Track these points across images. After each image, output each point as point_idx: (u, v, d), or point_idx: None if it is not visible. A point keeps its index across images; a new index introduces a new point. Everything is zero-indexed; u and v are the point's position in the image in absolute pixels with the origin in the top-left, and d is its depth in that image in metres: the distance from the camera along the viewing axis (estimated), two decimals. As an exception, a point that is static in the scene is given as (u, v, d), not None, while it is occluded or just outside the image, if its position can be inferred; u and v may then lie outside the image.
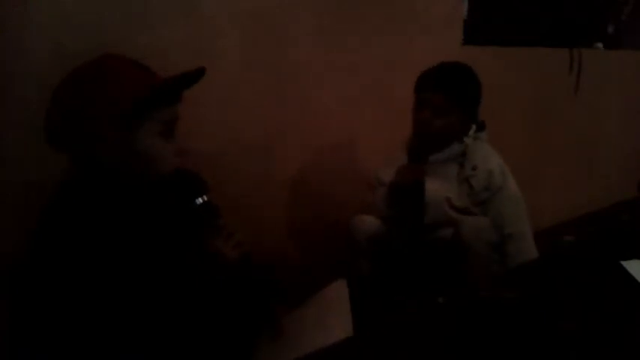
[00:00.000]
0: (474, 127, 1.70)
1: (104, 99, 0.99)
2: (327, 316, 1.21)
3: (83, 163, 1.04)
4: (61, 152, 1.05)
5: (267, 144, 1.94)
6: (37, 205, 1.41)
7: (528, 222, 1.69)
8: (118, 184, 1.03)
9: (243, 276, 1.12)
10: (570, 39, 3.04)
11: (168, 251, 1.04)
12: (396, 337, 1.07)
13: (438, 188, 1.63)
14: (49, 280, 0.94)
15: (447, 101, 1.60)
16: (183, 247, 1.08)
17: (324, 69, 2.05)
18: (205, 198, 1.13)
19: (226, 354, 1.10)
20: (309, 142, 2.05)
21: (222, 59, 1.77)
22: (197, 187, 1.14)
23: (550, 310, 1.12)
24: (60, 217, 0.99)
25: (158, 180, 1.08)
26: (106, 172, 1.03)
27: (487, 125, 1.75)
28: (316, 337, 1.10)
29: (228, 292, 1.09)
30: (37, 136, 1.43)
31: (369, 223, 1.71)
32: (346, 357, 1.03)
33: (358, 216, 1.75)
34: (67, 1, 1.44)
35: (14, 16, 1.37)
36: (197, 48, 1.69)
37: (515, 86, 2.73)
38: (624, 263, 1.33)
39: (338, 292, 1.24)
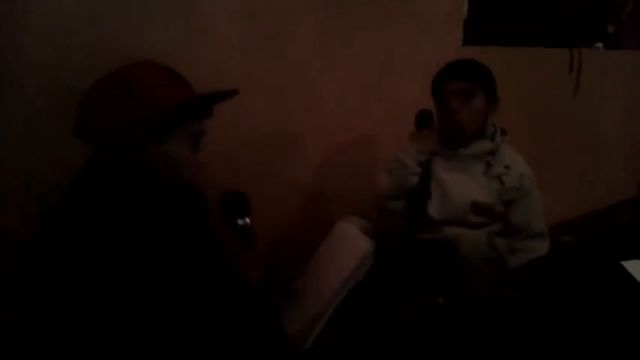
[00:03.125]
0: (498, 129, 1.73)
1: (142, 105, 1.00)
2: (336, 250, 1.21)
3: (109, 161, 1.04)
4: (87, 144, 1.06)
5: (267, 144, 1.94)
6: (37, 205, 1.42)
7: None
8: (139, 188, 1.04)
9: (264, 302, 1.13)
10: (570, 39, 3.05)
11: (180, 262, 1.04)
12: (395, 337, 1.07)
13: (466, 186, 1.66)
14: (56, 278, 0.94)
15: (471, 86, 1.63)
16: (204, 260, 1.09)
17: (323, 69, 2.05)
18: (248, 220, 1.15)
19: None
20: (308, 142, 2.05)
21: (222, 58, 1.77)
22: (242, 208, 1.16)
23: (550, 310, 1.12)
24: (76, 216, 0.99)
25: (177, 189, 1.09)
26: (131, 174, 1.03)
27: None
28: (331, 275, 1.11)
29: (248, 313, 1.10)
30: (37, 135, 1.44)
31: (358, 222, 1.71)
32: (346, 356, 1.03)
33: (346, 217, 1.75)
34: (67, 1, 1.44)
35: (14, 16, 1.37)
36: (196, 47, 1.69)
37: (515, 86, 2.73)
38: (624, 263, 1.33)
39: (341, 229, 1.24)
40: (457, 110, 1.64)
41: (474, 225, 1.66)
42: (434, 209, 1.67)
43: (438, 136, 1.74)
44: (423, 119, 1.73)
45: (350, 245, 1.18)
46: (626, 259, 1.35)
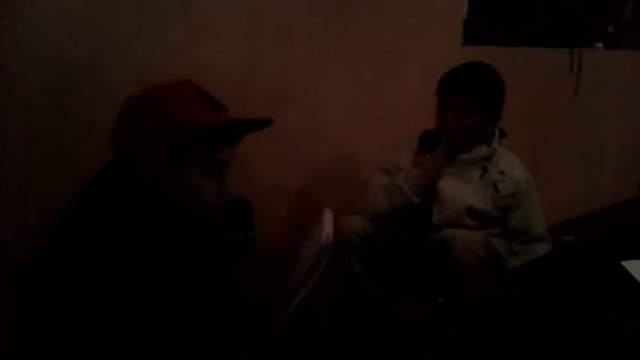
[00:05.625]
0: (497, 132, 1.71)
1: (156, 129, 0.99)
2: (311, 239, 1.21)
3: (128, 173, 1.03)
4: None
5: (267, 143, 1.93)
6: (37, 205, 1.42)
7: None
8: (155, 205, 1.03)
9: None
10: (570, 39, 3.05)
11: (187, 277, 1.03)
12: (395, 337, 1.07)
13: (462, 191, 1.66)
14: (63, 285, 0.93)
15: (471, 103, 1.60)
16: (208, 277, 1.08)
17: (323, 69, 2.04)
18: (249, 234, 1.13)
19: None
20: (308, 141, 2.05)
21: (222, 59, 1.77)
22: (245, 220, 1.15)
23: (550, 310, 1.12)
24: (86, 221, 0.98)
25: (198, 214, 1.07)
26: (147, 192, 1.02)
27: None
28: (302, 263, 1.12)
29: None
30: (37, 136, 1.44)
31: (358, 222, 1.71)
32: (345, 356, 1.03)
33: (346, 217, 1.75)
34: (67, 1, 1.44)
35: (14, 16, 1.37)
36: (196, 47, 1.69)
37: (515, 86, 2.72)
38: (624, 263, 1.33)
39: (322, 221, 1.24)
40: (453, 125, 1.62)
41: (472, 228, 1.66)
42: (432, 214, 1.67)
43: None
44: (427, 142, 1.68)
45: (317, 237, 1.19)
46: (626, 259, 1.35)
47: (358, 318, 1.63)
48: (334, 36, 2.06)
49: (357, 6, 2.10)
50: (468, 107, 1.60)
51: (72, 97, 1.46)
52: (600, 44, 3.34)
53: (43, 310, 0.94)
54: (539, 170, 1.83)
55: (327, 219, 1.19)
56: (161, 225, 1.01)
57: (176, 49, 1.64)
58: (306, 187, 2.10)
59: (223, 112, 1.07)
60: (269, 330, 1.10)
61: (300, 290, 1.07)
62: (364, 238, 1.69)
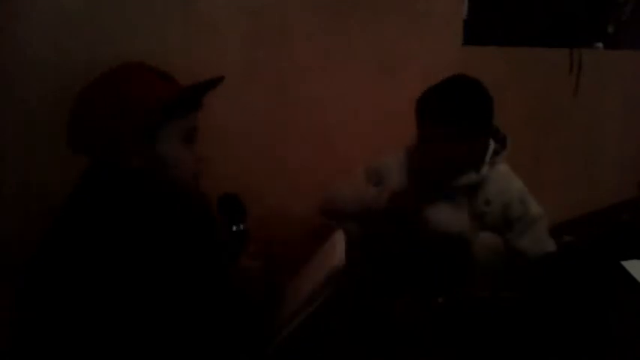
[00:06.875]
0: (491, 146, 1.54)
1: (130, 107, 1.00)
2: (321, 261, 1.21)
3: (105, 167, 1.04)
4: (80, 154, 1.05)
5: (268, 143, 1.94)
6: (37, 205, 1.42)
7: (551, 239, 1.59)
8: (139, 189, 1.03)
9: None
10: (570, 39, 3.05)
11: (183, 263, 1.04)
12: (394, 336, 1.07)
13: (449, 223, 1.52)
14: (61, 282, 0.93)
15: (462, 134, 1.44)
16: (204, 263, 1.08)
17: (323, 69, 2.04)
18: (241, 227, 1.16)
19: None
20: (308, 141, 2.05)
21: (222, 58, 1.77)
22: (237, 213, 1.17)
23: (550, 310, 1.12)
24: (78, 219, 0.99)
25: (180, 186, 1.09)
26: (128, 176, 1.03)
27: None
28: (311, 279, 1.12)
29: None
30: (37, 136, 1.44)
31: (346, 188, 1.66)
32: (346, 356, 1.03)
33: (331, 187, 1.70)
34: (67, 1, 1.44)
35: (15, 17, 1.37)
36: (196, 47, 1.69)
37: (515, 86, 2.73)
38: (624, 263, 1.33)
39: (334, 241, 1.24)
40: (445, 158, 1.47)
41: None
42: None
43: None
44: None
45: (329, 259, 1.18)
46: (626, 259, 1.35)
47: (358, 317, 1.63)
48: (334, 36, 2.06)
49: (357, 6, 2.10)
50: (459, 139, 1.44)
51: (72, 97, 1.46)
52: (600, 44, 3.34)
53: (42, 309, 0.94)
54: (539, 170, 1.82)
55: (339, 241, 1.20)
56: (152, 213, 1.02)
57: (176, 49, 1.63)
58: (306, 186, 2.10)
59: (176, 81, 1.09)
60: (269, 335, 1.10)
61: (303, 309, 1.08)
62: (369, 232, 1.67)
